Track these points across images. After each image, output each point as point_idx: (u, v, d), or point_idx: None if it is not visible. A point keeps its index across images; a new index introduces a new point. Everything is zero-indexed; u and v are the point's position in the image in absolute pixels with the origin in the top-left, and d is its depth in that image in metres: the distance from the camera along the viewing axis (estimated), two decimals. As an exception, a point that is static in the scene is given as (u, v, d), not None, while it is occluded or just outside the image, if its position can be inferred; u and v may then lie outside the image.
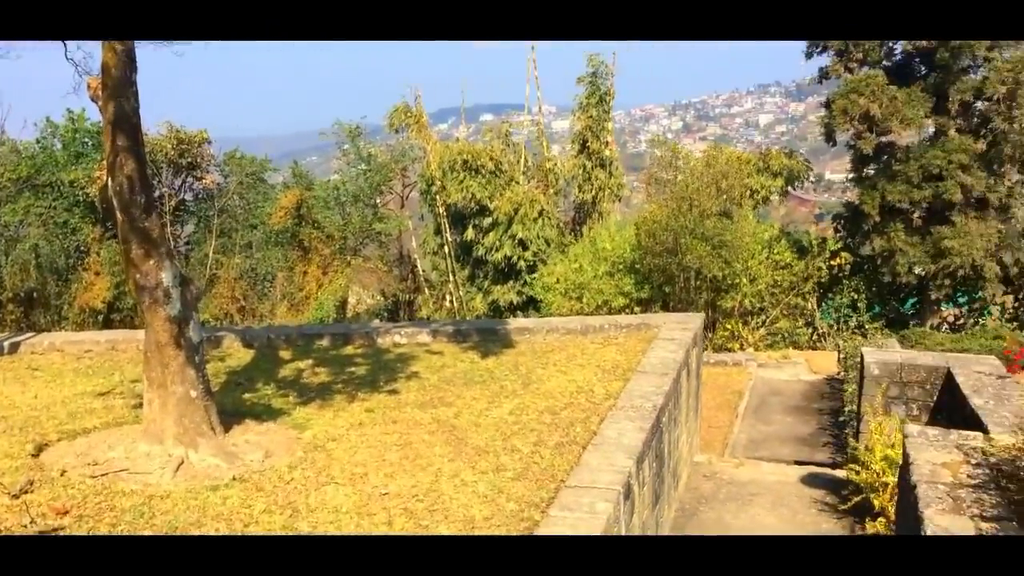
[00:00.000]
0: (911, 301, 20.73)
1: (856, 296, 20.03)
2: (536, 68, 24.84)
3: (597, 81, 24.26)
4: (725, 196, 18.14)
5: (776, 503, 6.25)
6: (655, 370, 8.64)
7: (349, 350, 11.06)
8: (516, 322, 11.93)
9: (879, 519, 6.43)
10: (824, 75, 20.09)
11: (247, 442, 7.36)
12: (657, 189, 19.84)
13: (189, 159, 23.85)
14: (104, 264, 21.73)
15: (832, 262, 19.95)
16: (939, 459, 4.72)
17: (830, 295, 20.45)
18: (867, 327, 19.96)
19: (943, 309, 19.78)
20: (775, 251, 19.49)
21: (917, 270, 19.20)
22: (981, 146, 17.56)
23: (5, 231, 21.95)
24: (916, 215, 18.51)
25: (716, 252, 18.27)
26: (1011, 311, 19.17)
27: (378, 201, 25.83)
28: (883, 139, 18.24)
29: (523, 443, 7.22)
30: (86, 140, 23.79)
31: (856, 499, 5.45)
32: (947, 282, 18.15)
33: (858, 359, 10.19)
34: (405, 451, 7.07)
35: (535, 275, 21.87)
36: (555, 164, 25.35)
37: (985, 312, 19.57)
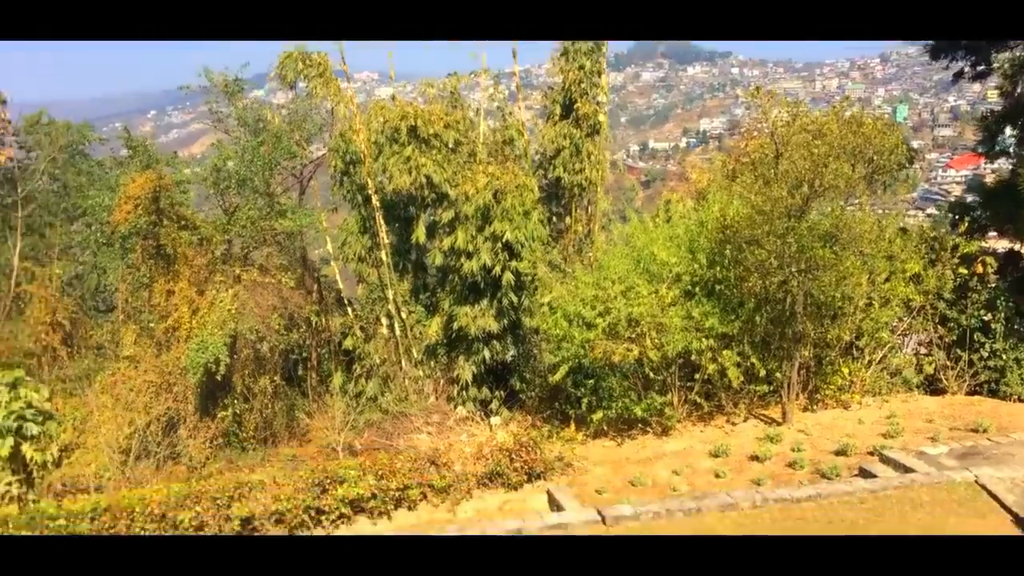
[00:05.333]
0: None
1: (993, 314, 14.34)
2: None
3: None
4: (871, 175, 11.92)
5: None
6: None
7: None
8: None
9: None
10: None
11: None
12: (749, 168, 13.30)
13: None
14: None
15: (962, 270, 14.21)
16: None
17: (952, 313, 14.67)
18: (1006, 356, 14.38)
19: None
20: (901, 257, 13.49)
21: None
22: None
23: None
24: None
25: (836, 261, 12.07)
26: None
27: (274, 187, 17.93)
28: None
29: None
30: None
31: None
32: None
33: None
34: None
35: (533, 294, 14.93)
36: (528, 134, 18.45)
37: None
